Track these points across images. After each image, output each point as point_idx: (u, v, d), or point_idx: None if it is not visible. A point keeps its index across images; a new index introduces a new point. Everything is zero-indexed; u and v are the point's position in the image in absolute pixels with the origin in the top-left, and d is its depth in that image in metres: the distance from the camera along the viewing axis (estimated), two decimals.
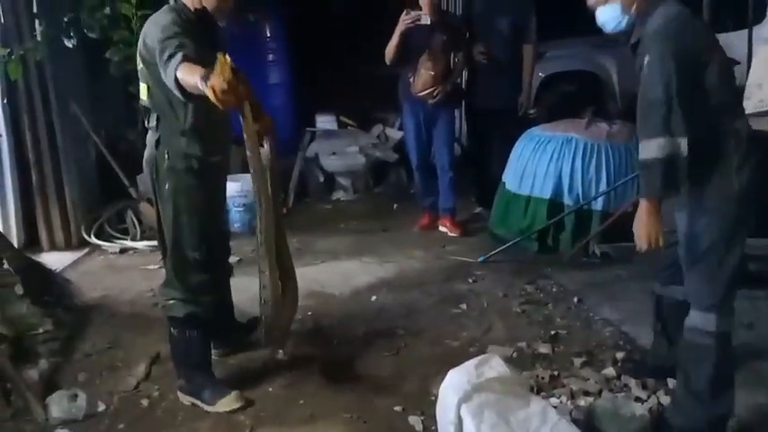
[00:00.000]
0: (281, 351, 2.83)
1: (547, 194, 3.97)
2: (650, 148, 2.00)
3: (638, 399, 2.46)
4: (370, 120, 6.34)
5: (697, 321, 2.12)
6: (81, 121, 4.16)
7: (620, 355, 2.77)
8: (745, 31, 5.15)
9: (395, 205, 5.10)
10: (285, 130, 4.49)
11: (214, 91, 1.92)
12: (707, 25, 2.17)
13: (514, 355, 2.81)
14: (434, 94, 4.14)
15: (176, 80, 2.07)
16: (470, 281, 3.64)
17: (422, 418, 2.39)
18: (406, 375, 2.70)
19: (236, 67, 1.94)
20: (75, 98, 4.12)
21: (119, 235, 4.25)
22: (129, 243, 4.17)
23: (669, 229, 2.16)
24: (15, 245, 3.76)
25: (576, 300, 3.33)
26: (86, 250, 4.11)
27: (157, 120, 2.38)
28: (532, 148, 4.11)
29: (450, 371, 2.20)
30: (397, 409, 2.46)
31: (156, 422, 2.45)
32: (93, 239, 4.16)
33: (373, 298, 3.47)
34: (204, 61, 2.04)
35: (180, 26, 2.22)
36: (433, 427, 2.26)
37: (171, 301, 2.48)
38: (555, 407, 2.22)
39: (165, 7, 2.38)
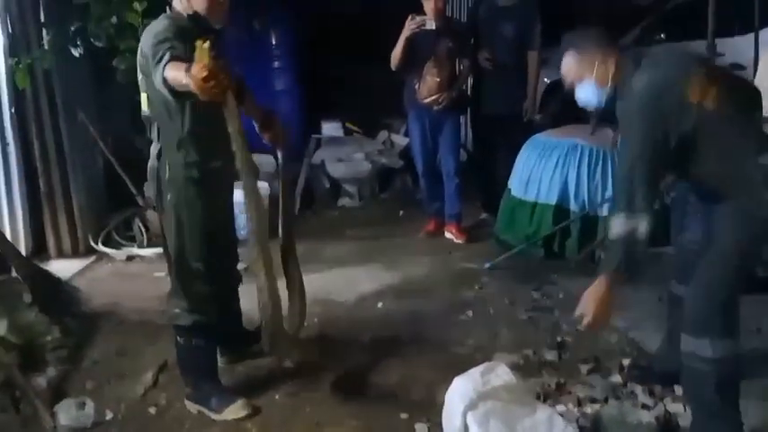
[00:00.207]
0: (288, 359, 2.84)
1: (553, 200, 3.97)
2: (614, 225, 2.03)
3: (644, 406, 2.46)
4: (375, 126, 6.35)
5: (691, 346, 2.06)
6: (88, 129, 4.18)
7: (626, 361, 2.77)
8: (752, 34, 5.15)
9: (401, 212, 5.11)
10: (291, 137, 4.50)
11: (195, 79, 1.89)
12: (700, 66, 2.08)
13: (521, 362, 2.81)
14: (440, 100, 4.15)
15: (165, 80, 2.06)
16: (476, 287, 3.64)
17: (428, 425, 2.39)
18: (413, 382, 2.70)
19: (217, 55, 1.90)
20: (82, 106, 4.15)
21: (126, 242, 4.27)
22: (136, 250, 4.19)
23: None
24: (23, 252, 3.79)
25: None
26: (94, 258, 4.12)
27: (158, 130, 2.38)
28: (538, 154, 4.11)
29: (456, 378, 2.20)
30: (404, 416, 2.47)
31: (164, 430, 2.46)
32: (101, 247, 4.18)
33: (379, 304, 3.48)
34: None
35: (173, 32, 2.22)
36: None
37: (177, 311, 2.48)
38: (561, 414, 2.22)
39: (161, 16, 2.39)
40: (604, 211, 3.88)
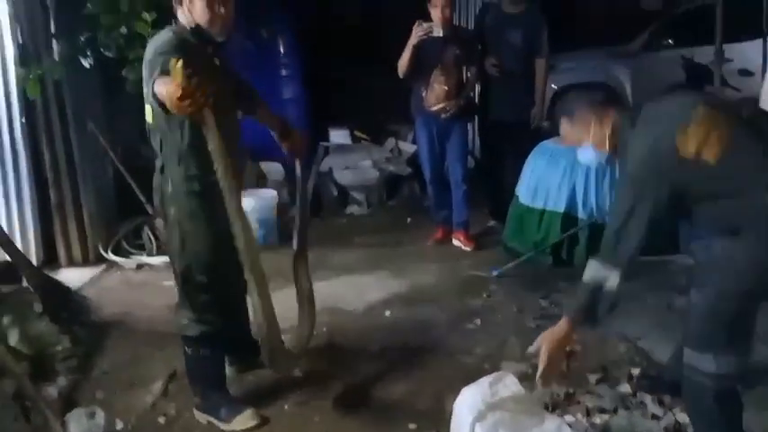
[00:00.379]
0: (296, 371, 2.84)
1: (561, 208, 3.96)
2: (588, 267, 2.03)
3: (654, 416, 2.45)
4: (383, 133, 6.37)
5: (693, 360, 1.99)
6: (98, 139, 4.21)
7: (635, 371, 2.76)
8: (760, 40, 5.14)
9: (408, 219, 5.11)
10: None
11: (170, 98, 1.92)
12: (700, 110, 1.96)
13: (529, 371, 2.78)
14: (447, 108, 4.16)
15: (154, 95, 2.08)
16: (484, 295, 3.64)
17: None
18: (421, 392, 2.70)
19: (192, 73, 1.92)
20: (92, 116, 4.18)
21: (135, 251, 4.30)
22: (145, 259, 4.21)
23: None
24: (34, 261, 3.82)
25: None
26: (104, 266, 4.15)
27: (160, 143, 2.40)
28: (546, 161, 4.11)
29: (464, 389, 2.20)
30: (412, 426, 2.47)
31: None
32: (111, 256, 4.21)
33: (387, 313, 3.48)
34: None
35: (173, 45, 2.23)
36: None
37: (184, 321, 2.49)
38: (570, 425, 2.22)
39: (166, 28, 2.40)
40: None
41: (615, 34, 6.92)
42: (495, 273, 3.88)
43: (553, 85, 6.03)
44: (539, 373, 2.11)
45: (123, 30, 3.85)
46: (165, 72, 2.03)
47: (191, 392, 2.62)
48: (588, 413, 2.48)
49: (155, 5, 3.67)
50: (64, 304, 3.29)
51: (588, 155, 2.18)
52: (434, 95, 4.17)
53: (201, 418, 2.55)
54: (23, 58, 3.86)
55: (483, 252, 4.31)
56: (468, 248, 4.37)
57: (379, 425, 2.49)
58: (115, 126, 4.47)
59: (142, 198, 4.27)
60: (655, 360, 2.83)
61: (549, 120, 5.32)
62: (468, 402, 2.13)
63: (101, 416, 2.53)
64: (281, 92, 5.73)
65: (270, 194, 4.77)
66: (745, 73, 5.36)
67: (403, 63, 4.16)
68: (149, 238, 4.31)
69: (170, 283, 3.71)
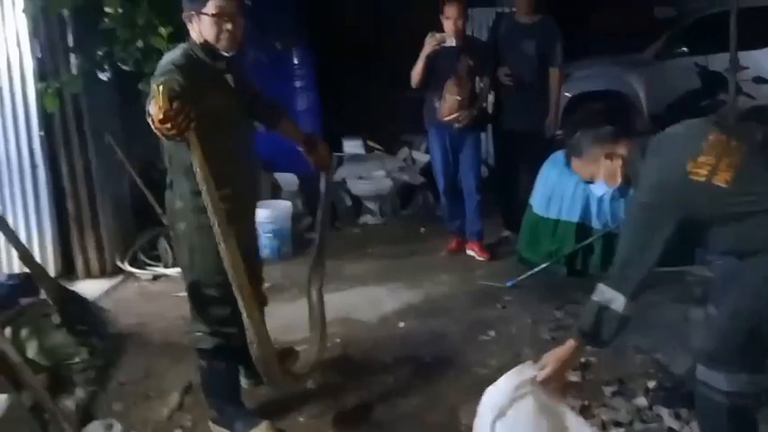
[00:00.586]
0: (309, 382, 2.85)
1: (575, 218, 3.95)
2: (596, 288, 2.02)
3: (670, 429, 2.44)
4: (396, 143, 6.38)
5: (705, 376, 1.98)
6: (115, 151, 4.26)
7: (651, 383, 2.74)
8: None
9: (422, 229, 5.11)
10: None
11: (153, 121, 1.94)
12: (709, 136, 1.97)
13: None
14: (460, 118, 4.16)
15: (148, 113, 2.09)
16: (499, 306, 3.64)
17: None
18: (435, 405, 2.70)
19: (175, 96, 1.94)
20: (109, 129, 4.23)
21: (151, 262, 4.33)
22: (161, 270, 4.25)
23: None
24: (52, 273, 3.86)
25: None
26: (121, 278, 4.19)
27: (169, 159, 2.42)
28: (559, 171, 4.09)
29: (489, 388, 2.17)
30: None
31: None
32: (127, 267, 4.25)
33: (401, 324, 3.48)
34: (193, 94, 2.08)
35: (179, 63, 2.25)
36: None
37: (198, 334, 2.51)
38: None
39: (179, 45, 2.43)
40: None
41: (629, 42, 6.91)
42: (509, 283, 3.87)
43: (567, 94, 6.02)
44: (539, 379, 2.10)
45: (140, 44, 3.89)
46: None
47: (206, 405, 2.63)
48: (604, 426, 2.47)
49: (170, 20, 3.72)
50: (82, 316, 3.32)
51: (602, 189, 2.23)
52: (447, 106, 4.17)
53: (217, 430, 2.56)
54: (42, 73, 3.93)
55: (497, 262, 4.31)
56: (482, 258, 4.36)
57: None
58: (132, 139, 4.51)
59: (158, 210, 4.30)
60: (671, 373, 2.81)
61: (562, 128, 5.32)
62: (490, 403, 2.11)
63: (118, 428, 2.55)
64: (294, 103, 5.76)
65: (284, 205, 4.79)
66: (761, 80, 5.31)
67: (416, 73, 4.18)
68: (165, 250, 4.35)
69: (185, 294, 3.77)
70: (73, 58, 4.00)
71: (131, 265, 4.28)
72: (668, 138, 2.07)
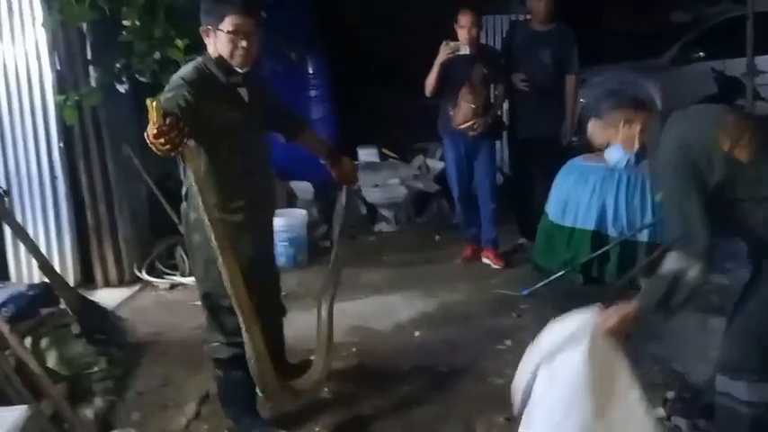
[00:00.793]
0: (325, 389, 2.86)
1: (591, 226, 3.93)
2: (667, 260, 1.98)
3: None
4: (411, 151, 6.39)
5: (726, 387, 1.98)
6: (133, 162, 4.31)
7: (669, 394, 2.72)
8: None
9: (437, 236, 5.10)
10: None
11: (148, 136, 1.96)
12: (730, 119, 2.03)
13: None
14: (475, 126, 4.17)
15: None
16: (514, 315, 3.63)
17: None
18: (450, 415, 2.70)
19: (169, 111, 1.96)
20: (127, 140, 4.28)
21: (169, 271, 4.37)
22: (178, 278, 4.29)
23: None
24: (71, 282, 3.91)
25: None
26: (138, 287, 4.23)
27: (185, 171, 2.45)
28: (575, 178, 4.09)
29: (551, 323, 2.13)
30: None
31: None
32: (145, 276, 4.29)
33: (416, 333, 3.49)
34: (203, 108, 2.14)
35: (190, 78, 2.28)
36: None
37: (214, 344, 2.52)
38: None
39: (194, 60, 2.46)
40: (644, 236, 3.83)
41: (645, 48, 6.88)
42: (525, 292, 3.86)
43: (582, 99, 5.99)
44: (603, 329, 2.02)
45: (157, 56, 3.94)
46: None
47: (223, 414, 2.65)
48: None
49: (187, 32, 3.76)
50: (101, 326, 3.35)
51: (617, 154, 2.19)
52: (462, 114, 4.18)
53: None
54: (61, 85, 3.99)
55: (512, 270, 4.30)
56: (497, 266, 4.35)
57: None
58: (148, 149, 4.56)
59: (175, 219, 4.34)
60: (690, 383, 2.79)
61: (578, 135, 5.30)
62: (543, 341, 2.07)
63: None
64: (310, 112, 5.80)
65: (300, 214, 4.82)
66: None
67: (430, 82, 4.19)
68: (182, 259, 4.38)
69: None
70: (92, 71, 4.05)
71: (149, 273, 4.32)
72: (694, 108, 2.10)
